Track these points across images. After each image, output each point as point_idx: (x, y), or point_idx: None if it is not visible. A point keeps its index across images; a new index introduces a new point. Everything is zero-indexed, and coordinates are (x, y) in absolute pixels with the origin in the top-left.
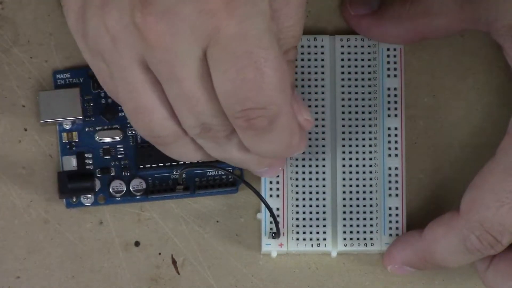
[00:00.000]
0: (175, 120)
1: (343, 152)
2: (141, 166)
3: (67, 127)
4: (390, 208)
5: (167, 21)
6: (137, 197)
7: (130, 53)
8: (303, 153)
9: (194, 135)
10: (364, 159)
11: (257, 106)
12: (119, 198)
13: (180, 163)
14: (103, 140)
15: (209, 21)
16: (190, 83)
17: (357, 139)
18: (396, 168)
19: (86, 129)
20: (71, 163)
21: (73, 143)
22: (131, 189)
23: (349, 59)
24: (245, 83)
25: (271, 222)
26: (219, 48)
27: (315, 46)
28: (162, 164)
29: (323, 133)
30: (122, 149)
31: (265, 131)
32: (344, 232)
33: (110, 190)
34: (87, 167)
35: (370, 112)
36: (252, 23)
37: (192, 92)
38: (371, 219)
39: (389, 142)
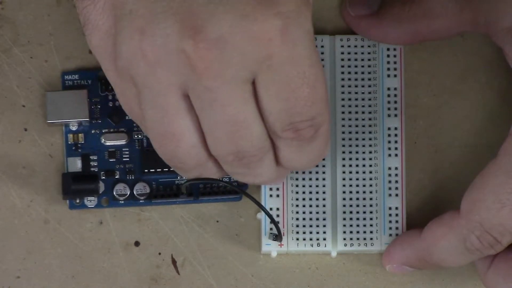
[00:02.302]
0: (203, 147)
1: (343, 152)
2: (146, 170)
3: (73, 128)
4: (390, 208)
5: (219, 49)
6: (141, 201)
7: (170, 79)
8: None
9: (225, 162)
10: (364, 159)
11: (307, 119)
12: (122, 201)
13: None
14: (108, 143)
15: (262, 49)
16: (235, 108)
17: (357, 139)
18: (396, 168)
19: (92, 131)
20: (76, 164)
21: (79, 145)
22: (134, 193)
23: (349, 59)
24: (300, 101)
25: (271, 222)
26: (271, 73)
27: (315, 46)
28: (166, 169)
29: None
30: (127, 152)
31: (310, 140)
32: (344, 232)
33: (114, 193)
34: (92, 169)
35: (370, 112)
36: (302, 46)
37: (236, 116)
38: (371, 219)
39: (389, 142)
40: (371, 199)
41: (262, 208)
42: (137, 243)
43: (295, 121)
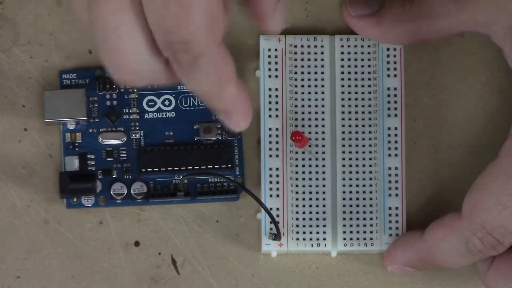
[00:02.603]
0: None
1: (343, 152)
2: (143, 170)
3: (71, 127)
4: (390, 208)
5: None
6: (138, 200)
7: None
8: (303, 152)
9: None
10: (364, 159)
11: (179, 40)
12: (119, 201)
13: (182, 168)
14: (106, 142)
15: None
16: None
17: (357, 139)
18: (396, 168)
19: (90, 130)
20: (73, 163)
21: (76, 144)
22: (132, 192)
23: (349, 59)
24: (167, 18)
25: (271, 222)
26: None
27: (315, 46)
28: (164, 169)
29: (323, 133)
30: (124, 151)
31: (191, 68)
32: (344, 232)
33: (111, 192)
34: (89, 168)
35: (370, 112)
36: None
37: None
38: (371, 219)
39: (389, 142)
40: (371, 199)
41: (260, 203)
42: (137, 243)
43: (169, 40)
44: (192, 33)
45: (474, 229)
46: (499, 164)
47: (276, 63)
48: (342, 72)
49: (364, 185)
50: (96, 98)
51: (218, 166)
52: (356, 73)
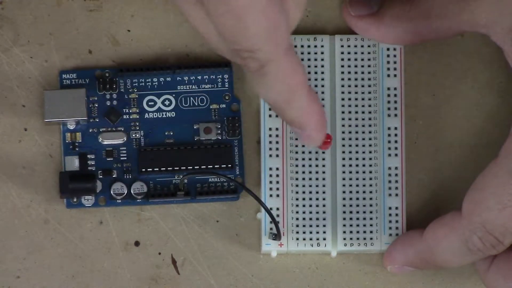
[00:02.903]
0: None
1: (343, 152)
2: (143, 170)
3: (71, 127)
4: (390, 208)
5: None
6: (138, 200)
7: None
8: (303, 152)
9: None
10: (364, 159)
11: (244, 49)
12: (119, 201)
13: (182, 168)
14: (106, 142)
15: None
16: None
17: (357, 139)
18: (396, 168)
19: (90, 130)
20: (73, 163)
21: (76, 144)
22: (132, 192)
23: (349, 59)
24: (227, 28)
25: (271, 222)
26: None
27: (315, 46)
28: (164, 169)
29: None
30: (124, 151)
31: (259, 74)
32: (344, 232)
33: (111, 192)
34: (89, 168)
35: (370, 112)
36: None
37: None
38: (371, 219)
39: (389, 142)
40: (371, 199)
41: (260, 203)
42: (137, 243)
43: (235, 48)
44: (253, 42)
45: (474, 228)
46: (499, 163)
47: None
48: (342, 72)
49: (364, 185)
50: (96, 98)
51: (218, 166)
52: (356, 73)
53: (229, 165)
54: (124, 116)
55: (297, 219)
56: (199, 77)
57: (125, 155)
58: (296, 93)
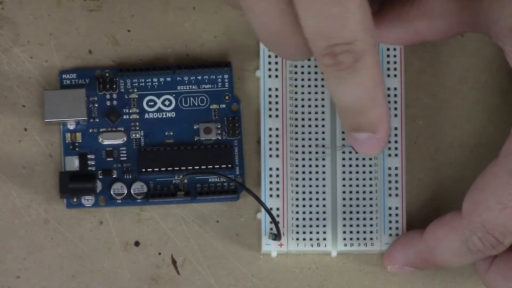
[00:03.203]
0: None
1: (343, 152)
2: (143, 170)
3: (71, 127)
4: (390, 208)
5: None
6: (138, 200)
7: None
8: (303, 152)
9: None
10: (364, 159)
11: (342, 41)
12: (119, 201)
13: (182, 168)
14: (106, 142)
15: None
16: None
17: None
18: (396, 168)
19: (90, 130)
20: (73, 163)
21: (76, 144)
22: (132, 192)
23: None
24: (330, 18)
25: (271, 222)
26: None
27: None
28: (164, 169)
29: (323, 133)
30: (124, 151)
31: (350, 71)
32: (344, 232)
33: (111, 192)
34: (89, 168)
35: None
36: None
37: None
38: (371, 219)
39: (389, 142)
40: (371, 199)
41: (260, 203)
42: (137, 243)
43: (331, 44)
44: (354, 31)
45: (474, 228)
46: (500, 163)
47: (276, 63)
48: None
49: (364, 185)
50: (96, 98)
51: (218, 166)
52: None
53: (229, 165)
54: (124, 116)
55: (297, 219)
56: (199, 77)
57: (125, 155)
58: (380, 89)
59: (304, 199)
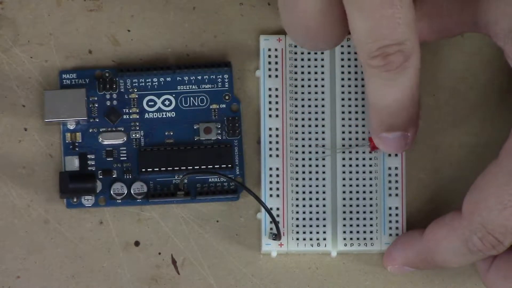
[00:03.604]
0: None
1: (343, 152)
2: (143, 170)
3: (71, 127)
4: (390, 208)
5: None
6: (138, 200)
7: None
8: (303, 152)
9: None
10: (364, 159)
11: (394, 43)
12: (119, 201)
13: (182, 168)
14: (106, 142)
15: None
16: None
17: (357, 139)
18: (396, 168)
19: (90, 130)
20: (73, 163)
21: (76, 144)
22: (132, 192)
23: (349, 59)
24: (383, 20)
25: (271, 222)
26: None
27: None
28: (164, 169)
29: (323, 133)
30: (125, 151)
31: (399, 71)
32: (344, 232)
33: (111, 192)
34: (89, 168)
35: None
36: None
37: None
38: (371, 219)
39: None
40: (371, 199)
41: (260, 202)
42: (137, 243)
43: (383, 45)
44: (405, 32)
45: (474, 228)
46: (500, 163)
47: (276, 63)
48: (342, 72)
49: (364, 185)
50: (96, 98)
51: (218, 166)
52: (356, 73)
53: (229, 165)
54: (124, 116)
55: (297, 219)
56: (199, 77)
57: (125, 155)
58: (419, 89)
59: (304, 199)
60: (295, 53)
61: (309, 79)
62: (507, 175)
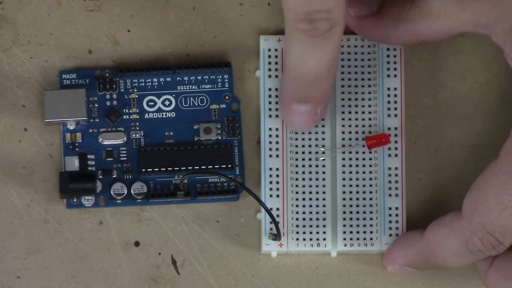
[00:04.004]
0: None
1: (343, 152)
2: (143, 170)
3: (71, 127)
4: (390, 208)
5: None
6: (138, 200)
7: None
8: (303, 152)
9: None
10: (364, 159)
11: (322, 9)
12: (119, 201)
13: (182, 168)
14: (106, 142)
15: None
16: None
17: (357, 139)
18: (396, 168)
19: (90, 130)
20: (73, 163)
21: (76, 144)
22: (132, 192)
23: (349, 59)
24: None
25: (271, 222)
26: None
27: None
28: (164, 169)
29: (323, 133)
30: (124, 151)
31: (324, 37)
32: (344, 232)
33: (111, 192)
34: (89, 168)
35: (370, 112)
36: None
37: None
38: (371, 219)
39: (389, 142)
40: (371, 199)
41: (260, 203)
42: (137, 243)
43: (311, 10)
44: (336, 2)
45: (474, 229)
46: (500, 163)
47: (276, 63)
48: (342, 72)
49: (364, 185)
50: (96, 98)
51: (218, 166)
52: (356, 73)
53: (229, 165)
54: (124, 116)
55: (297, 219)
56: (199, 77)
57: (125, 155)
58: (337, 63)
59: (304, 199)
60: None
61: None
62: (506, 175)
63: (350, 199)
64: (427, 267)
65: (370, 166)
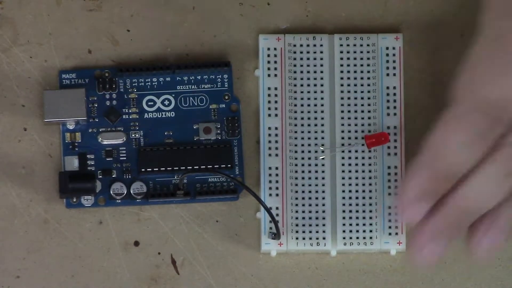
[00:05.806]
0: None
1: (343, 152)
2: (143, 170)
3: (71, 127)
4: (389, 207)
5: None
6: (138, 200)
7: None
8: (302, 152)
9: None
10: (363, 158)
11: None
12: (119, 201)
13: (182, 168)
14: (105, 142)
15: None
16: None
17: (356, 138)
18: (396, 167)
19: (90, 130)
20: (73, 163)
21: (76, 144)
22: (131, 192)
23: (348, 58)
24: None
25: (270, 221)
26: None
27: (314, 45)
28: (163, 169)
29: (323, 132)
30: (124, 151)
31: None
32: (344, 231)
33: (111, 192)
34: (89, 168)
35: (369, 112)
36: None
37: None
38: (370, 218)
39: (389, 141)
40: (370, 198)
41: (260, 201)
42: (136, 243)
43: None
44: None
45: (474, 108)
46: (484, 35)
47: (275, 62)
48: (342, 72)
49: (363, 184)
50: (96, 98)
51: (217, 166)
52: (355, 72)
53: (229, 165)
54: (124, 116)
55: (297, 218)
56: (199, 77)
57: (125, 155)
58: None
59: (303, 198)
60: (294, 52)
61: (308, 79)
62: (492, 43)
63: (350, 198)
64: (441, 185)
65: (370, 165)
